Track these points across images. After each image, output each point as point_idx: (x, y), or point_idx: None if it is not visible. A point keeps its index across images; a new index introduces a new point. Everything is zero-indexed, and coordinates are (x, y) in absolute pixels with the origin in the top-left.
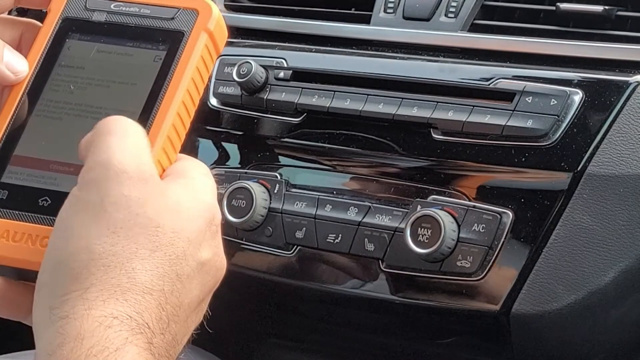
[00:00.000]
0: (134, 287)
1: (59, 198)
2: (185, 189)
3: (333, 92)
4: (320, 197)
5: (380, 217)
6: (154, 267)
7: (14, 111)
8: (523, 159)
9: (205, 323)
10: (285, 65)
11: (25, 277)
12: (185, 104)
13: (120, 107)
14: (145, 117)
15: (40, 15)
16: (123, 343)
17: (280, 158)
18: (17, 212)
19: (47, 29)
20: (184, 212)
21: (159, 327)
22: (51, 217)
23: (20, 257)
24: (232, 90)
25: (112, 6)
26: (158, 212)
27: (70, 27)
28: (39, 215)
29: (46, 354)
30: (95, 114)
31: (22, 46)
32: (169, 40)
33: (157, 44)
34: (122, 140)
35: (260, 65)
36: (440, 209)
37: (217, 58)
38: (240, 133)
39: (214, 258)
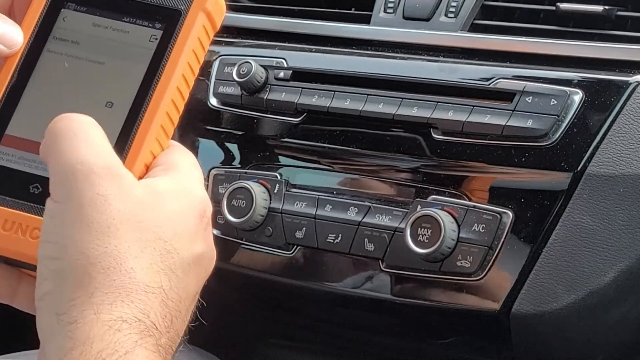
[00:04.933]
0: (137, 287)
1: (49, 186)
2: (174, 182)
3: (333, 92)
4: (320, 197)
5: (380, 217)
6: (148, 264)
7: (7, 87)
8: (523, 159)
9: (198, 314)
10: (285, 65)
11: (12, 262)
12: (180, 89)
13: (114, 88)
14: (139, 103)
15: None
16: (132, 346)
17: (280, 158)
18: (7, 199)
19: None
20: (168, 205)
21: (164, 325)
22: (42, 207)
23: (11, 248)
24: (232, 90)
25: None
26: (138, 207)
27: None
28: (29, 204)
29: (57, 358)
30: (88, 96)
31: (14, 13)
32: (166, 19)
33: (154, 22)
34: (78, 141)
35: (260, 65)
36: (440, 209)
37: (214, 35)
38: (240, 133)
39: (207, 250)
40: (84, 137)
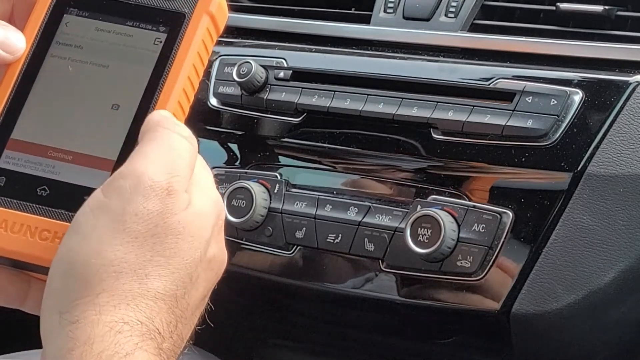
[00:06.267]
0: (146, 292)
1: (57, 188)
2: (196, 189)
3: (333, 92)
4: (320, 197)
5: (380, 217)
6: (169, 273)
7: (11, 92)
8: (523, 159)
9: (206, 316)
10: (285, 65)
11: (21, 266)
12: (185, 91)
13: (120, 91)
14: (146, 105)
15: None
16: (133, 348)
17: (280, 158)
18: (15, 201)
19: (45, 2)
20: (198, 214)
21: (168, 330)
22: (50, 209)
23: (20, 250)
24: (232, 90)
25: None
26: (179, 221)
27: (68, 0)
28: (37, 206)
29: (56, 358)
30: (94, 98)
31: (14, 20)
32: (170, 22)
33: (158, 25)
34: (161, 153)
35: (260, 65)
36: (440, 209)
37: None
38: (240, 133)
39: (218, 253)
40: (169, 152)
